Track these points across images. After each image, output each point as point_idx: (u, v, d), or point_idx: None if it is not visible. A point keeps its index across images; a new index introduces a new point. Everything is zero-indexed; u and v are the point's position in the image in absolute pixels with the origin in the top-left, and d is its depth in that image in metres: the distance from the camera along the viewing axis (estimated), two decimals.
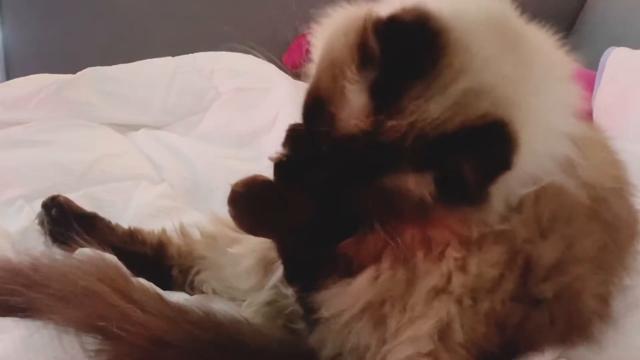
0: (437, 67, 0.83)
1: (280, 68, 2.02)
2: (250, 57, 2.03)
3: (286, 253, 1.03)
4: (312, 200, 0.96)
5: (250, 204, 0.99)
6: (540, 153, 0.90)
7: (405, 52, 0.82)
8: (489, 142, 0.82)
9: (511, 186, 0.89)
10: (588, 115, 1.77)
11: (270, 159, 0.99)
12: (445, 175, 0.84)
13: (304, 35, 2.26)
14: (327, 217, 0.96)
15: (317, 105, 0.90)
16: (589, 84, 1.94)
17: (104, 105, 1.77)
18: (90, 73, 1.85)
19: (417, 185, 0.86)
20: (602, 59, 2.00)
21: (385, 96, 0.84)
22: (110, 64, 1.92)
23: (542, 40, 0.96)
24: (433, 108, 0.82)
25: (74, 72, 1.87)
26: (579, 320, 0.96)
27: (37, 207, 1.28)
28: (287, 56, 2.26)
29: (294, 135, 0.99)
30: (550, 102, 0.92)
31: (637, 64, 1.92)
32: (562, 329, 0.95)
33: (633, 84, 1.87)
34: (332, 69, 0.89)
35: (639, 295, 1.11)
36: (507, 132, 0.82)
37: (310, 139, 0.92)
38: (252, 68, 2.00)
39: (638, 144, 1.67)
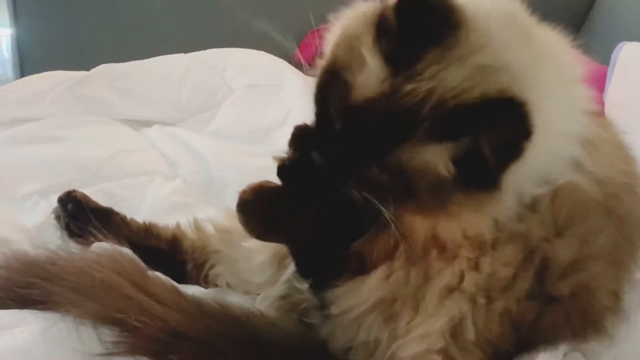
0: (455, 36, 0.83)
1: (292, 64, 2.04)
2: (262, 53, 2.08)
3: (298, 254, 1.03)
4: (320, 203, 0.97)
5: (259, 211, 1.00)
6: (551, 152, 0.90)
7: (423, 20, 0.83)
8: (507, 115, 0.80)
9: (523, 184, 0.89)
10: (600, 111, 1.79)
11: (275, 159, 1.00)
12: (464, 154, 0.83)
13: (317, 31, 2.28)
14: (337, 218, 0.96)
15: (332, 77, 0.89)
16: (601, 80, 1.94)
17: (118, 102, 1.79)
18: (104, 70, 1.86)
19: (435, 158, 0.84)
20: (613, 54, 1.99)
21: (403, 60, 0.83)
22: (122, 61, 1.94)
23: (553, 42, 0.97)
24: (451, 76, 0.82)
25: (87, 69, 1.90)
26: (593, 315, 0.98)
27: (53, 202, 1.30)
28: (300, 52, 2.26)
29: (299, 136, 0.99)
30: (561, 103, 0.92)
31: None
32: (576, 324, 0.96)
33: None
34: (349, 42, 0.89)
35: None
36: (525, 108, 0.80)
37: (322, 120, 0.91)
38: (264, 65, 2.02)
39: None
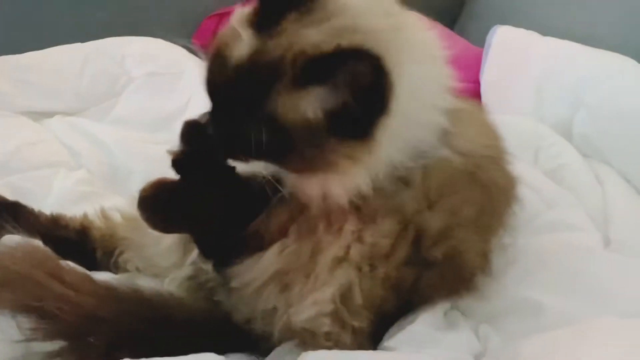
0: (313, 2, 0.93)
1: (191, 51, 2.08)
2: (160, 41, 2.07)
3: (199, 240, 1.10)
4: (216, 191, 1.03)
5: (159, 206, 1.04)
6: (418, 122, 1.00)
7: None
8: (362, 63, 0.87)
9: (395, 151, 0.98)
10: (467, 90, 1.94)
11: (169, 153, 1.05)
12: (331, 103, 0.91)
13: (212, 17, 2.33)
14: (233, 203, 1.04)
15: (215, 57, 0.97)
16: (478, 61, 2.09)
17: (17, 94, 1.78)
18: (1, 62, 1.84)
19: (303, 105, 0.91)
20: (488, 37, 2.11)
21: (266, 23, 0.93)
22: (17, 52, 1.91)
23: (415, 23, 1.04)
24: (311, 34, 0.91)
25: None
26: (464, 275, 1.11)
27: None
28: (197, 38, 2.29)
29: (188, 129, 1.04)
30: (424, 76, 1.00)
31: (518, 42, 2.05)
32: (450, 284, 1.10)
33: (515, 60, 2.00)
34: (231, 26, 0.97)
35: (516, 251, 1.25)
36: (380, 61, 0.87)
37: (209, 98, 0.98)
38: (163, 53, 2.03)
39: (520, 116, 1.84)
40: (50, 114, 1.80)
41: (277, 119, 0.92)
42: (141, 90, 1.92)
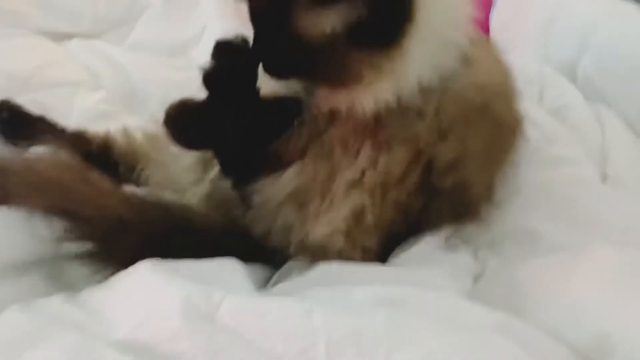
0: None
1: None
2: None
3: (222, 157, 1.14)
4: (241, 107, 1.07)
5: (184, 123, 1.07)
6: (442, 38, 1.04)
7: None
8: None
9: (421, 64, 1.02)
10: (486, 32, 1.97)
11: (200, 69, 1.08)
12: (356, 16, 0.96)
13: None
14: (258, 123, 1.08)
15: None
16: (488, 3, 2.11)
17: (37, 15, 1.80)
18: None
19: (324, 19, 0.97)
20: None
21: None
22: None
23: None
24: None
25: None
26: (470, 204, 1.16)
27: None
28: None
29: (220, 47, 1.07)
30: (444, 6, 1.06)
31: None
32: (456, 212, 1.15)
33: (524, 3, 2.04)
34: None
35: (518, 183, 1.31)
36: None
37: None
38: None
39: (527, 56, 1.88)
40: (69, 36, 1.82)
41: (301, 35, 0.98)
42: (158, 16, 1.94)
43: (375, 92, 1.02)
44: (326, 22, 0.97)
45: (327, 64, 1.00)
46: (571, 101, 1.70)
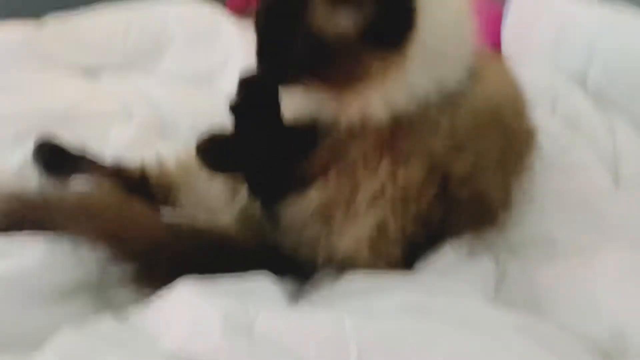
0: None
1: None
2: (200, 3, 2.18)
3: (250, 179, 1.20)
4: (268, 135, 1.14)
5: (215, 152, 1.15)
6: (446, 49, 1.10)
7: None
8: None
9: (426, 71, 1.07)
10: (498, 46, 2.02)
11: (227, 99, 1.15)
12: (365, 19, 1.03)
13: None
14: (281, 145, 1.14)
15: None
16: (499, 19, 2.17)
17: (69, 53, 1.90)
18: (54, 21, 1.95)
19: (337, 17, 1.03)
20: None
21: None
22: (68, 11, 2.03)
23: None
24: None
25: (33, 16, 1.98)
26: (488, 212, 1.20)
27: (27, 146, 1.40)
28: (230, 2, 2.39)
29: (244, 84, 1.14)
30: (452, 6, 1.12)
31: None
32: (476, 220, 1.19)
33: (534, 15, 2.07)
34: None
35: (535, 190, 1.34)
36: None
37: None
38: (202, 14, 2.14)
39: (538, 68, 1.91)
40: (100, 70, 1.91)
41: (313, 32, 1.04)
42: (183, 48, 2.02)
43: (384, 92, 1.08)
44: (342, 21, 1.04)
45: (337, 61, 1.05)
46: (583, 109, 1.74)
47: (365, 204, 1.11)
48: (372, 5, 1.03)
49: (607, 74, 1.81)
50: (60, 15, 2.01)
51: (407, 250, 1.16)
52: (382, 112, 1.09)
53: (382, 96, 1.08)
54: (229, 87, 1.16)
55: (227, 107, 1.14)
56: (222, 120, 1.17)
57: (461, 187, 1.14)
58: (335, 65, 1.06)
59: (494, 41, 2.06)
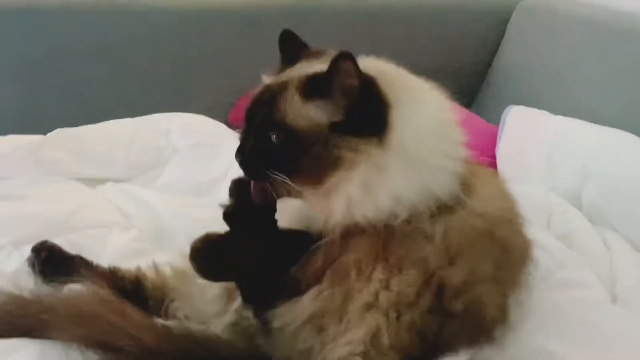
0: (321, 53, 1.22)
1: (229, 126, 2.26)
2: (202, 117, 2.25)
3: (243, 287, 1.19)
4: (260, 239, 1.14)
5: (209, 257, 1.14)
6: (432, 165, 1.12)
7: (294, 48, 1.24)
8: (346, 58, 1.05)
9: (406, 188, 1.10)
10: (493, 164, 2.06)
11: (220, 206, 1.17)
12: (339, 111, 1.09)
13: (249, 95, 2.51)
14: (275, 251, 1.15)
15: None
16: (494, 138, 2.23)
17: (74, 162, 1.93)
18: (59, 134, 2.00)
19: (313, 114, 1.09)
20: (503, 116, 2.25)
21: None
22: (70, 126, 2.07)
23: (429, 90, 1.21)
24: (316, 67, 1.14)
25: (38, 133, 2.02)
26: (484, 326, 1.18)
27: (25, 252, 1.43)
28: (233, 115, 2.47)
29: (236, 186, 1.18)
30: (427, 116, 1.16)
31: (531, 119, 2.20)
32: (471, 333, 1.16)
33: (527, 136, 2.14)
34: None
35: (531, 307, 1.33)
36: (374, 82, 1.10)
37: None
38: (204, 127, 2.21)
39: (533, 186, 1.96)
40: (102, 181, 1.94)
41: (287, 125, 1.10)
42: (185, 160, 2.05)
43: (360, 178, 1.10)
44: (311, 114, 1.10)
45: (311, 155, 1.09)
46: (578, 226, 1.77)
47: (358, 312, 1.10)
48: (342, 98, 1.08)
49: (600, 192, 1.86)
50: (67, 127, 2.06)
51: None
52: (367, 209, 1.10)
53: (359, 181, 1.10)
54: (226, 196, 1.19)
55: (221, 213, 1.16)
56: (220, 228, 1.17)
57: (455, 298, 1.12)
58: (308, 158, 1.09)
59: (488, 158, 2.11)
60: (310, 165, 1.10)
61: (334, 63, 1.06)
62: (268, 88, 1.16)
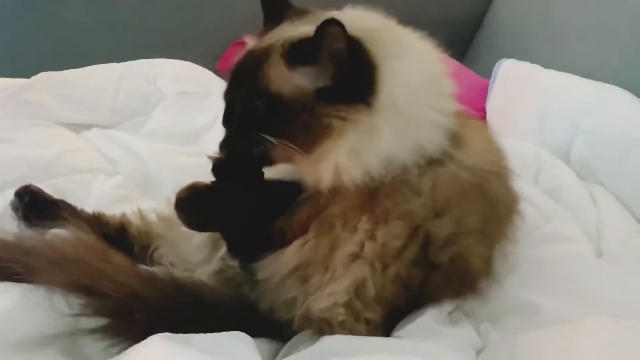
0: (305, 14, 1.19)
1: (217, 74, 2.22)
2: (189, 64, 2.22)
3: (229, 238, 1.19)
4: (247, 191, 1.13)
5: (194, 207, 1.13)
6: (421, 120, 1.11)
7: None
8: (333, 24, 1.02)
9: (395, 144, 1.09)
10: (482, 118, 2.05)
11: (210, 158, 1.16)
12: (325, 77, 1.06)
13: (237, 44, 2.51)
14: (262, 205, 1.14)
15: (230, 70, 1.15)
16: (485, 91, 2.22)
17: (59, 107, 1.89)
18: (44, 77, 1.96)
19: (298, 80, 1.07)
20: (494, 70, 2.24)
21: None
22: (57, 69, 2.03)
23: (417, 41, 1.19)
24: (301, 29, 1.11)
25: (23, 77, 1.98)
26: (469, 278, 1.19)
27: (8, 196, 1.40)
28: (221, 63, 2.44)
29: (228, 140, 1.15)
30: (415, 70, 1.13)
31: (522, 73, 2.18)
32: (456, 286, 1.17)
33: (519, 90, 2.13)
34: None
35: (517, 260, 1.36)
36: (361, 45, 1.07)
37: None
38: (192, 74, 2.17)
39: (523, 140, 1.96)
40: (88, 126, 1.91)
41: (272, 92, 1.07)
42: (171, 107, 2.04)
43: (349, 145, 1.09)
44: (296, 81, 1.08)
45: (298, 121, 1.08)
46: (566, 181, 1.77)
47: (343, 263, 1.10)
48: (329, 64, 1.06)
49: (590, 148, 1.86)
50: (53, 71, 2.02)
51: (386, 314, 1.14)
52: (355, 174, 1.10)
53: (348, 148, 1.09)
54: (214, 146, 1.17)
55: (210, 165, 1.15)
56: (207, 177, 1.16)
57: (441, 251, 1.13)
58: (297, 125, 1.08)
59: (478, 111, 2.10)
60: (298, 132, 1.08)
61: (321, 28, 1.03)
62: (251, 53, 1.14)
